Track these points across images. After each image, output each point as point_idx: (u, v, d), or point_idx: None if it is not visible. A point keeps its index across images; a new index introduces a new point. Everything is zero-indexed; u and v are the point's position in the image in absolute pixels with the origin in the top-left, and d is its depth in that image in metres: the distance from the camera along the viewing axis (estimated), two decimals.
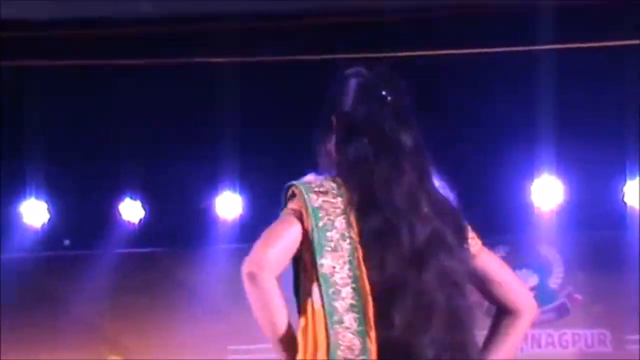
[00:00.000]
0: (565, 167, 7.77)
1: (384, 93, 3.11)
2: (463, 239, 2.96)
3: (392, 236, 2.83)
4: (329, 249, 2.88)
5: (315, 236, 2.85)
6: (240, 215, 8.56)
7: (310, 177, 3.08)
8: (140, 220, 8.62)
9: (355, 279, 2.86)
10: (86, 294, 9.63)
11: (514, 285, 3.02)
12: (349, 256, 2.86)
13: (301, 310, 2.84)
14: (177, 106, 8.69)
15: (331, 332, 2.82)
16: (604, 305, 8.08)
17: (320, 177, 3.06)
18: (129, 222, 8.57)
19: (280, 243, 2.88)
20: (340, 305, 2.86)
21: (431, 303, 2.84)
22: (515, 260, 8.27)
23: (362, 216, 2.87)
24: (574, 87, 7.62)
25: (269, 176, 8.16)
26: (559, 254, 8.31)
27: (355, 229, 2.84)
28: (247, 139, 8.63)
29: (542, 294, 8.24)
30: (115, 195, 8.90)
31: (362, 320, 2.84)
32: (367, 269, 2.83)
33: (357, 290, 2.86)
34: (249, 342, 8.87)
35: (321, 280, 2.83)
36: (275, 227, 2.90)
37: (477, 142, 7.88)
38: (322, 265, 2.84)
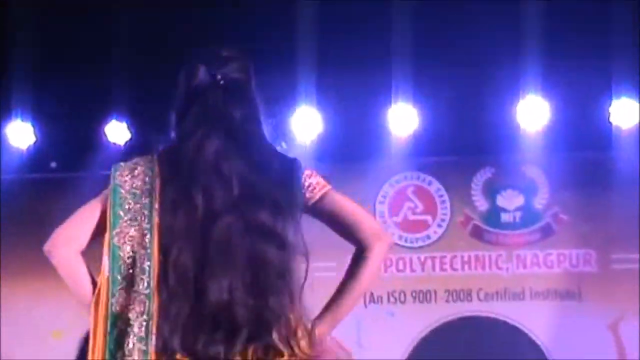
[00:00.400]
0: (551, 87, 7.75)
1: (217, 76, 3.31)
2: (289, 192, 3.19)
3: (186, 202, 3.07)
4: (126, 220, 3.13)
5: (111, 211, 3.11)
6: None
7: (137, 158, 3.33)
8: (126, 142, 8.66)
9: (150, 245, 3.10)
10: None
11: (360, 221, 3.27)
12: (146, 224, 3.10)
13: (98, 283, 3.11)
14: (165, 25, 8.61)
15: (113, 298, 3.06)
16: (590, 226, 8.11)
17: (142, 157, 3.28)
18: (114, 144, 8.58)
19: (77, 222, 3.18)
20: (133, 270, 3.11)
21: (226, 251, 3.10)
22: (500, 181, 8.36)
23: (165, 186, 3.12)
24: (560, 6, 7.60)
25: None
26: (545, 174, 8.29)
27: (158, 200, 3.10)
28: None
29: (527, 215, 8.30)
30: (101, 117, 8.91)
31: (150, 283, 3.07)
32: (160, 233, 3.08)
33: (149, 255, 3.08)
34: None
35: (111, 251, 3.08)
36: (81, 207, 3.20)
37: (461, 64, 7.88)
38: (113, 236, 3.08)
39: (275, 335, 3.13)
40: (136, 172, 3.25)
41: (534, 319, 8.33)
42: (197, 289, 3.09)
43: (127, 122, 8.95)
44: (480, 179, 8.42)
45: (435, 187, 8.44)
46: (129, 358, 3.08)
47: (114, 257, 3.12)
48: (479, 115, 8.33)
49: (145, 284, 3.11)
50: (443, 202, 8.31)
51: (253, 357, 3.11)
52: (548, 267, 8.26)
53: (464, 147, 8.55)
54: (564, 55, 7.72)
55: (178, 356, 3.11)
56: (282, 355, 3.12)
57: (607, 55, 7.80)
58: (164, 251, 3.11)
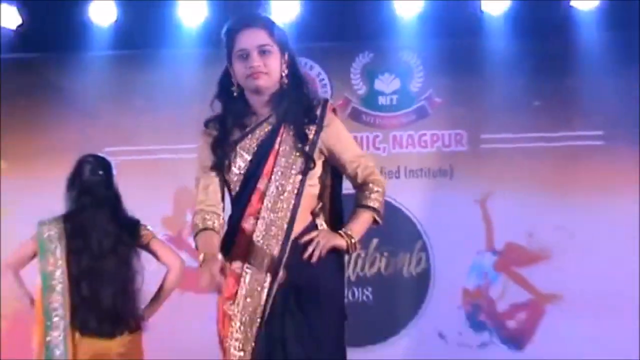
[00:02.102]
0: None
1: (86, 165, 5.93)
2: (134, 237, 5.72)
3: (86, 249, 5.60)
4: (50, 256, 5.67)
5: (40, 249, 5.67)
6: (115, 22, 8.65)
7: (47, 219, 5.79)
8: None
9: (63, 272, 5.61)
10: None
11: (164, 256, 5.75)
12: (60, 259, 5.66)
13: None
14: None
15: (45, 296, 5.60)
16: (462, 108, 8.43)
17: (52, 219, 5.75)
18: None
19: (16, 254, 5.83)
20: (54, 284, 5.64)
21: (105, 275, 5.60)
22: (378, 66, 8.63)
23: (70, 239, 5.60)
24: None
25: None
26: (420, 59, 8.52)
27: (66, 246, 5.62)
28: None
29: (403, 98, 8.56)
30: None
31: (65, 290, 5.59)
32: (70, 265, 5.58)
33: (63, 278, 5.62)
34: (125, 143, 9.05)
35: (41, 273, 5.62)
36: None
37: None
38: (43, 265, 5.64)
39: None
40: (51, 226, 5.82)
41: (409, 196, 8.63)
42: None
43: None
44: (359, 63, 8.58)
45: (316, 71, 8.53)
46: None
47: (45, 276, 5.72)
48: (358, 2, 8.54)
49: (61, 292, 5.74)
50: (324, 85, 8.42)
51: None
52: (422, 147, 8.54)
53: (344, 33, 8.70)
54: None
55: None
56: None
57: None
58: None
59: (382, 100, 8.76)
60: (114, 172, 6.08)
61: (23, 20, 8.78)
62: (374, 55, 8.71)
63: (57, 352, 5.79)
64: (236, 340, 4.08)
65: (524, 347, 8.70)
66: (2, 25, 8.76)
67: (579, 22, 8.88)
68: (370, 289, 8.77)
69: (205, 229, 4.13)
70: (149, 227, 5.95)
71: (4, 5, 8.74)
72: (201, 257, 4.05)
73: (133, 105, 9.37)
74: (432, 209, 8.88)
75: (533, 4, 8.92)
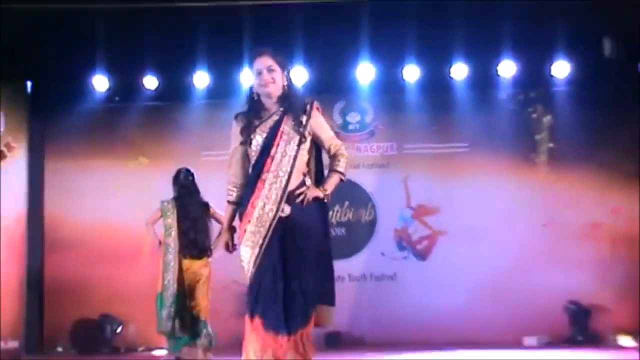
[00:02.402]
0: None
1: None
2: (207, 210, 9.22)
3: (186, 216, 9.03)
4: (168, 218, 9.23)
5: (163, 214, 9.30)
6: None
7: (165, 199, 9.39)
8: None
9: (174, 227, 9.19)
10: (127, 119, 12.95)
11: (220, 218, 8.44)
12: (173, 220, 9.23)
13: None
14: None
15: (165, 238, 9.18)
16: (393, 130, 12.46)
17: (168, 199, 9.18)
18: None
19: (151, 217, 9.43)
20: (170, 232, 9.24)
21: (197, 228, 9.28)
22: (348, 108, 12.67)
23: (178, 210, 8.98)
24: None
25: None
26: (371, 104, 12.72)
27: (176, 214, 9.19)
28: None
29: (362, 126, 12.63)
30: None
31: (175, 236, 9.17)
32: (179, 223, 9.15)
33: (174, 230, 9.17)
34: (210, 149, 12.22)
35: (164, 227, 9.15)
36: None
37: None
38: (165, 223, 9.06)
39: None
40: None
41: (365, 179, 12.48)
42: None
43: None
44: (337, 107, 12.67)
45: None
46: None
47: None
48: (339, 70, 11.70)
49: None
50: None
51: None
52: (372, 152, 12.65)
53: (331, 89, 12.11)
54: None
55: None
56: None
57: None
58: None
59: (350, 127, 12.61)
60: (195, 176, 9.65)
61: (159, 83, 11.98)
62: (346, 102, 12.63)
63: (171, 265, 9.49)
64: (247, 240, 5.33)
65: (426, 259, 12.61)
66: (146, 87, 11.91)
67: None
68: (344, 228, 12.46)
69: (228, 202, 5.53)
70: (211, 205, 9.52)
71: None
72: (220, 230, 6.42)
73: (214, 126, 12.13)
74: (378, 185, 12.52)
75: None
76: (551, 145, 12.54)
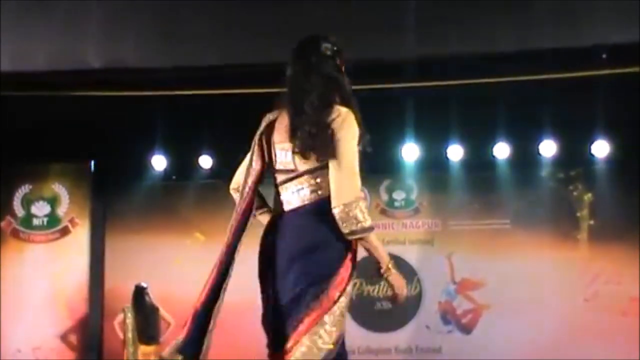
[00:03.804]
0: None
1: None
2: None
3: None
4: None
5: None
6: None
7: None
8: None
9: None
10: (183, 196, 13.22)
11: None
12: None
13: None
14: None
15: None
16: (435, 210, 12.89)
17: None
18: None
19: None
20: None
21: None
22: (393, 185, 13.20)
23: None
24: None
25: None
26: (415, 182, 13.78)
27: None
28: None
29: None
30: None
31: None
32: None
33: None
34: None
35: None
36: None
37: None
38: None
39: None
40: None
41: (410, 254, 12.67)
42: None
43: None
44: (383, 185, 12.69)
45: None
46: None
47: None
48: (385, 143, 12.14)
49: None
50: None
51: None
52: (416, 227, 13.05)
53: (373, 167, 11.10)
54: None
55: None
56: None
57: None
58: None
59: (396, 204, 12.80)
60: None
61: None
62: (392, 180, 12.78)
63: None
64: None
65: (470, 333, 12.58)
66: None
67: None
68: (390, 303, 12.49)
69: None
70: None
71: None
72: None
73: None
74: (422, 260, 12.62)
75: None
76: (592, 222, 12.62)
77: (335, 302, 4.22)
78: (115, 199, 13.33)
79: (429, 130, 12.15)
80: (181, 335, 4.37)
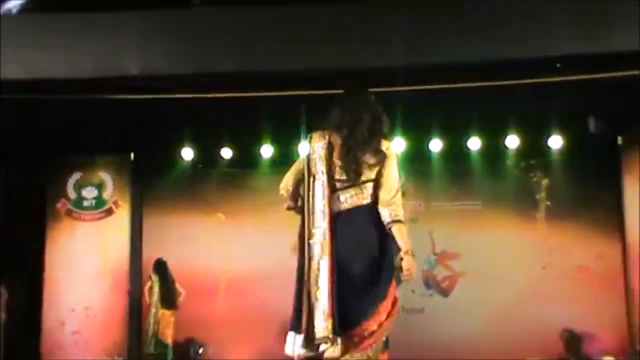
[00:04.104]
0: None
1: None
2: None
3: None
4: None
5: None
6: None
7: None
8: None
9: None
10: (207, 182, 13.20)
11: None
12: None
13: None
14: None
15: None
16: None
17: None
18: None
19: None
20: None
21: None
22: None
23: None
24: None
25: None
26: None
27: None
28: None
29: None
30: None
31: None
32: None
33: None
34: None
35: None
36: None
37: None
38: None
39: None
40: None
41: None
42: None
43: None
44: None
45: None
46: None
47: None
48: None
49: None
50: None
51: None
52: None
53: None
54: None
55: None
56: None
57: None
58: None
59: None
60: None
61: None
62: None
63: None
64: None
65: (448, 296, 12.65)
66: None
67: None
68: None
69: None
70: None
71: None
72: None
73: None
74: (409, 236, 12.56)
75: None
76: (548, 203, 12.70)
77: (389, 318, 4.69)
78: (151, 185, 13.45)
79: (414, 127, 12.04)
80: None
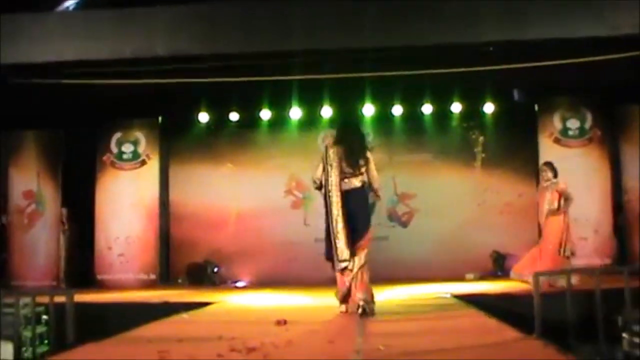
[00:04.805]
0: None
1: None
2: None
3: None
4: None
5: None
6: None
7: None
8: None
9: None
10: (219, 139, 13.13)
11: None
12: None
13: None
14: None
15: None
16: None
17: None
18: None
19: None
20: None
21: None
22: None
23: None
24: None
25: None
26: None
27: None
28: None
29: None
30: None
31: None
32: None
33: None
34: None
35: None
36: None
37: None
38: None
39: None
40: None
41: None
42: None
43: None
44: None
45: None
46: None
47: None
48: None
49: None
50: None
51: None
52: None
53: None
54: None
55: None
56: None
57: None
58: None
59: None
60: None
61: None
62: None
63: None
64: None
65: (407, 227, 12.78)
66: None
67: None
68: None
69: None
70: None
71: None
72: None
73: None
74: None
75: None
76: (484, 155, 12.88)
77: (369, 241, 6.40)
78: (176, 141, 13.44)
79: (380, 96, 12.31)
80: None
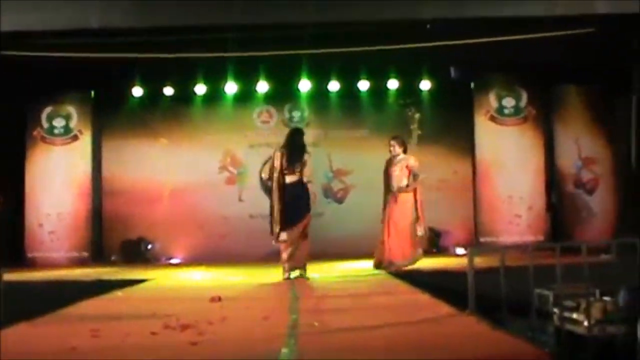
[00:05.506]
0: None
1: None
2: None
3: None
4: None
5: None
6: None
7: None
8: None
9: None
10: (153, 114, 13.11)
11: None
12: None
13: None
14: None
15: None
16: None
17: None
18: None
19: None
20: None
21: None
22: None
23: None
24: None
25: None
26: None
27: None
28: None
29: None
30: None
31: None
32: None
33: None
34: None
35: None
36: None
37: None
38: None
39: None
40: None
41: None
42: None
43: None
44: None
45: None
46: None
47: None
48: None
49: None
50: None
51: None
52: None
53: None
54: None
55: None
56: None
57: None
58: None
59: (294, 120, 12.96)
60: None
61: None
62: (291, 104, 13.14)
63: None
64: None
65: (342, 203, 13.05)
66: None
67: None
68: None
69: None
70: None
71: None
72: None
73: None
74: (312, 157, 13.48)
75: None
76: (420, 132, 13.01)
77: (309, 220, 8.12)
78: (108, 116, 13.41)
79: (317, 71, 12.35)
80: None
